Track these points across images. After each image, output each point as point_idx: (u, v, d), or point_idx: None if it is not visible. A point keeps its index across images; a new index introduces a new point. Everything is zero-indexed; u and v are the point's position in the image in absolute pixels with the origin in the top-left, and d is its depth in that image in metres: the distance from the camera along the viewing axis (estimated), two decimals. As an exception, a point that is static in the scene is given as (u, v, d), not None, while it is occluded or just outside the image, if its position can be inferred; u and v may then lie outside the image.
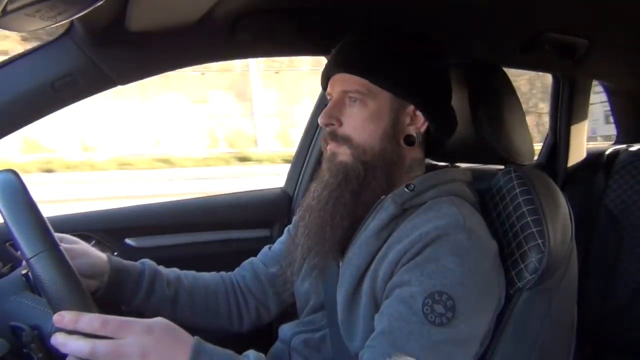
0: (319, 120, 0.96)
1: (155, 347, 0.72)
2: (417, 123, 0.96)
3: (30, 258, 0.75)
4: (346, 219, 0.93)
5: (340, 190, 0.93)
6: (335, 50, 0.99)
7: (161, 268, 1.09)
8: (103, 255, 1.01)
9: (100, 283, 0.98)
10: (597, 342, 1.86)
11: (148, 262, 1.08)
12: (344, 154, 0.94)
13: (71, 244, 0.98)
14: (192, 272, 1.13)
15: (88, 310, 0.75)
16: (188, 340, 0.76)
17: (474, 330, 0.83)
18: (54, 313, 0.74)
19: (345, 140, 0.94)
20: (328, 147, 0.97)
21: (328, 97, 1.00)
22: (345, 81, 0.95)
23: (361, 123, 0.93)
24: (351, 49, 0.97)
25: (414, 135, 0.95)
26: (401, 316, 0.81)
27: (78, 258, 0.95)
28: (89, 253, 0.99)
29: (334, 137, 0.95)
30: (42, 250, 0.75)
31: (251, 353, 0.82)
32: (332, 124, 0.95)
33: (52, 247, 0.76)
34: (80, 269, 0.93)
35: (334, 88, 0.97)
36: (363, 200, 0.94)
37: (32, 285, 0.87)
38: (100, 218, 1.40)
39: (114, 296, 1.00)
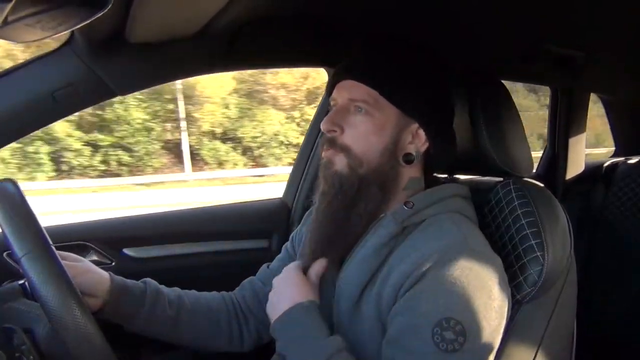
0: (322, 126, 0.94)
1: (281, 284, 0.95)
2: (418, 142, 0.94)
3: (21, 257, 0.75)
4: (341, 231, 0.93)
5: (337, 202, 0.93)
6: (346, 57, 0.97)
7: (163, 287, 1.08)
8: (105, 274, 1.00)
9: (102, 301, 0.97)
10: (598, 353, 1.85)
11: (150, 281, 1.07)
12: (339, 163, 0.92)
13: (74, 261, 0.98)
14: (194, 292, 1.12)
15: (80, 309, 0.75)
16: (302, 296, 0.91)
17: (487, 350, 0.82)
18: (45, 312, 0.74)
19: (344, 149, 0.92)
20: (324, 154, 0.95)
21: (332, 103, 0.98)
22: (353, 89, 0.93)
23: (364, 134, 0.91)
24: (365, 58, 0.95)
25: (414, 154, 0.94)
26: (413, 350, 0.80)
27: (81, 275, 0.94)
28: (92, 271, 0.99)
29: (333, 144, 0.93)
30: (32, 249, 0.75)
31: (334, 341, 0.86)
32: (334, 131, 0.93)
33: (43, 247, 0.76)
34: (83, 287, 0.93)
35: (341, 94, 0.95)
36: (355, 214, 0.93)
37: (28, 293, 0.88)
38: (98, 228, 1.40)
39: (116, 315, 0.99)
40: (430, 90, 0.94)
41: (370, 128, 0.91)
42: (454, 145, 1.01)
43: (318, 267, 0.94)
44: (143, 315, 1.01)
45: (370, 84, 0.91)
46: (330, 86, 0.99)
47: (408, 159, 0.93)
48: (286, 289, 0.92)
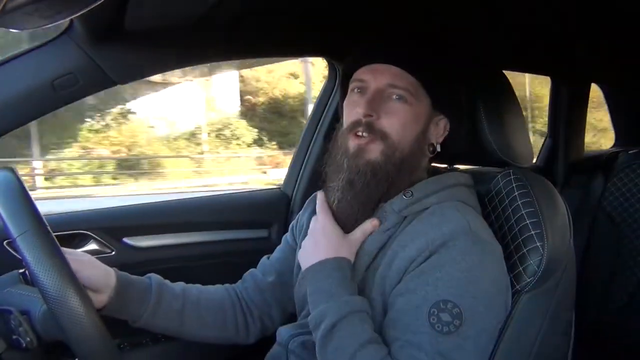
0: (359, 110, 0.91)
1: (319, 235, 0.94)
2: (438, 133, 0.97)
3: (17, 237, 0.75)
4: (362, 218, 0.93)
5: (368, 191, 0.92)
6: (379, 38, 0.97)
7: (167, 282, 1.08)
8: (110, 269, 1.00)
9: (108, 297, 0.97)
10: (595, 344, 1.86)
11: (154, 276, 1.07)
12: (373, 151, 0.91)
13: (79, 257, 0.97)
14: (198, 285, 1.12)
15: (75, 287, 0.75)
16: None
17: (484, 336, 0.82)
18: (40, 291, 0.74)
19: (382, 135, 0.91)
20: (357, 142, 0.92)
21: (360, 84, 0.95)
22: (395, 75, 0.91)
23: (402, 122, 0.91)
24: (410, 47, 0.94)
25: (435, 144, 0.96)
26: (408, 328, 0.81)
27: (86, 270, 0.94)
28: (97, 266, 0.98)
29: (371, 129, 0.90)
30: (27, 229, 0.75)
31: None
32: (371, 116, 0.90)
33: (38, 227, 0.76)
34: (88, 282, 0.93)
35: (377, 78, 0.92)
36: (384, 200, 0.93)
37: (27, 280, 0.88)
38: (99, 217, 1.40)
39: (121, 311, 1.00)
40: (460, 85, 0.97)
41: (408, 116, 0.92)
42: (464, 136, 1.02)
43: (369, 226, 0.93)
44: (149, 310, 1.01)
45: (415, 73, 0.91)
46: (354, 66, 0.97)
47: (432, 149, 0.96)
48: (323, 241, 0.92)
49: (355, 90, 0.96)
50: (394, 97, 0.91)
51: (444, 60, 0.95)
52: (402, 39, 0.96)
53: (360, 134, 0.92)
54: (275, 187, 1.76)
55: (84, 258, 0.97)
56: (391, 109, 0.91)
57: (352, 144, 0.92)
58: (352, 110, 0.94)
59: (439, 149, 0.97)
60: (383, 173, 0.91)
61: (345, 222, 0.94)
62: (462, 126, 1.00)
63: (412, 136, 0.92)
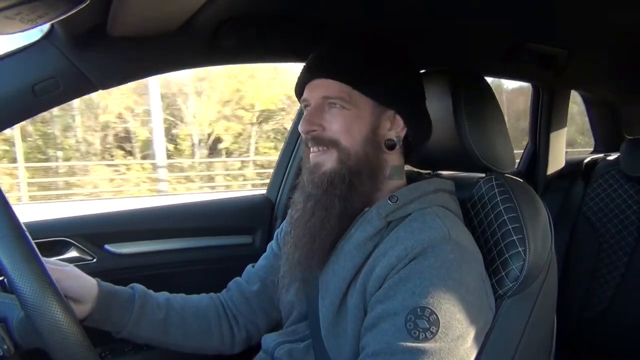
0: (300, 129, 0.95)
1: None
2: (397, 128, 0.96)
3: None
4: (336, 227, 0.93)
5: (327, 199, 0.92)
6: (313, 55, 0.98)
7: (150, 291, 1.07)
8: (92, 280, 0.99)
9: (90, 308, 0.96)
10: (576, 346, 1.89)
11: (137, 287, 1.06)
12: (329, 160, 0.93)
13: (60, 267, 0.96)
14: (181, 295, 1.11)
15: (53, 293, 0.73)
16: None
17: (460, 343, 0.81)
18: (17, 297, 0.72)
19: (333, 143, 0.92)
20: (311, 155, 0.95)
21: (303, 104, 0.98)
22: (326, 87, 0.93)
23: (345, 126, 0.92)
24: (333, 55, 0.96)
25: (394, 139, 0.95)
26: (385, 334, 0.80)
27: (68, 280, 0.93)
28: (79, 276, 0.97)
29: (320, 141, 0.93)
30: (5, 233, 0.74)
31: None
32: (315, 130, 0.93)
33: (15, 231, 0.75)
34: (70, 292, 0.92)
35: (313, 94, 0.95)
36: (352, 205, 0.93)
37: (5, 288, 0.86)
38: (80, 223, 1.38)
39: (104, 321, 0.98)
40: (401, 77, 0.96)
41: (349, 120, 0.92)
42: (430, 128, 1.02)
43: None
44: (132, 320, 1.00)
45: (342, 79, 0.92)
46: (300, 87, 0.99)
47: (390, 144, 0.95)
48: None
49: (305, 108, 0.98)
50: (330, 106, 0.93)
51: (372, 59, 0.94)
52: (331, 49, 0.97)
53: (312, 148, 0.95)
54: (259, 193, 1.75)
55: (65, 268, 0.96)
56: (331, 117, 0.93)
57: (310, 158, 0.96)
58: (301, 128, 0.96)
59: (399, 143, 0.96)
60: (339, 178, 0.92)
61: (312, 230, 0.93)
62: (421, 116, 0.99)
63: (361, 136, 0.93)
